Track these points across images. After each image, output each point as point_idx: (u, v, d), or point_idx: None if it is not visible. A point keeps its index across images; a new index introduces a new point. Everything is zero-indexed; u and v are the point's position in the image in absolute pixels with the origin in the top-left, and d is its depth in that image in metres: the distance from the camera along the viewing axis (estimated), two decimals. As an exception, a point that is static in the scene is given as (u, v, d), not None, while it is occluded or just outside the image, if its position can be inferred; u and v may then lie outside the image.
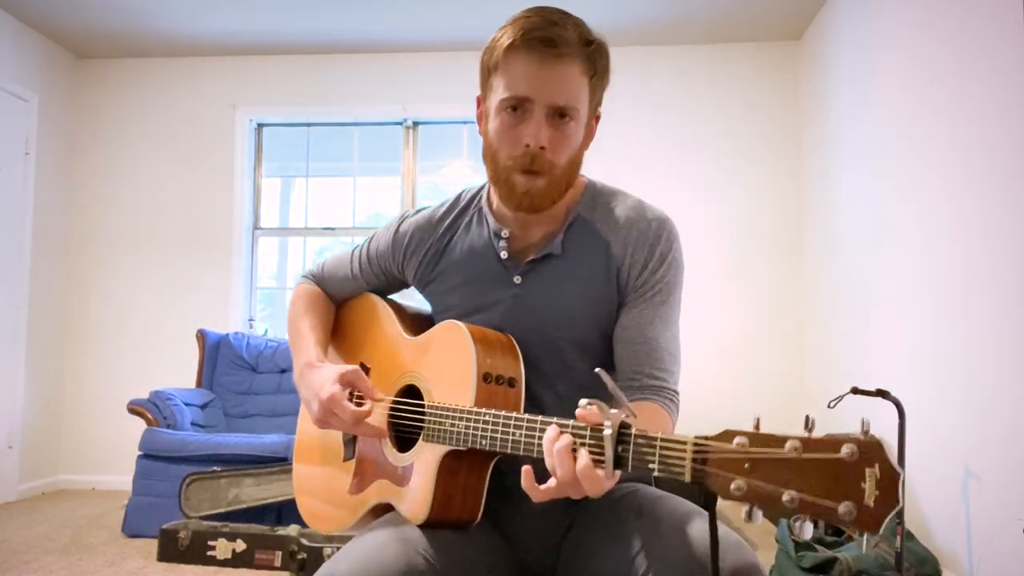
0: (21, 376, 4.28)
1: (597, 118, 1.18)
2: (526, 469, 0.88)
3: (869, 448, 0.66)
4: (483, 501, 1.07)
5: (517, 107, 1.09)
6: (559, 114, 1.09)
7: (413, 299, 1.35)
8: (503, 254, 1.18)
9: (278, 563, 2.83)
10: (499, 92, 1.10)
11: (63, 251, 4.67)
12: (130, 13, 4.21)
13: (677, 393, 1.12)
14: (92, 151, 4.76)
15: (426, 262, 1.25)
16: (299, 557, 2.77)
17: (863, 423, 0.69)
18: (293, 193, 5.23)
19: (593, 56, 1.10)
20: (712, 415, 4.41)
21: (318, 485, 1.30)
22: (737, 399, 4.25)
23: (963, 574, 2.53)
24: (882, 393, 2.23)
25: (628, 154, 4.40)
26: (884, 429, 2.96)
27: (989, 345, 2.41)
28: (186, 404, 3.75)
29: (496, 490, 1.08)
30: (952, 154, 2.65)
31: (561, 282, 1.16)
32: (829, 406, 2.23)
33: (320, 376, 1.17)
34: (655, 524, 0.99)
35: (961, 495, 2.55)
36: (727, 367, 4.31)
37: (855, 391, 2.26)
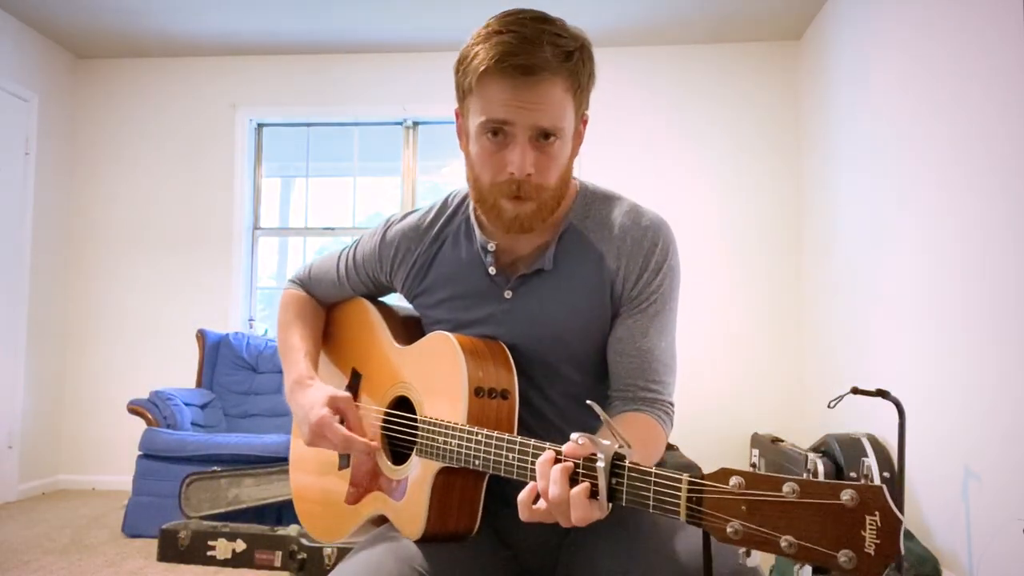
0: (21, 376, 4.27)
1: (585, 122, 1.12)
2: (532, 486, 0.87)
3: (870, 494, 0.64)
4: (479, 513, 1.06)
5: (497, 131, 1.02)
6: (543, 135, 1.02)
7: (405, 301, 1.34)
8: (491, 269, 1.14)
9: (278, 563, 2.83)
10: (477, 116, 1.03)
11: (63, 251, 4.67)
12: (130, 13, 4.21)
13: (672, 405, 1.10)
14: (92, 151, 4.76)
15: (413, 274, 1.21)
16: (299, 557, 2.77)
17: (862, 464, 0.68)
18: (293, 193, 5.23)
19: (576, 69, 1.02)
20: (714, 417, 4.43)
21: (315, 493, 1.29)
22: (737, 399, 4.25)
23: (963, 574, 2.53)
24: (882, 393, 2.23)
25: (628, 154, 4.40)
26: (884, 429, 2.96)
27: (989, 345, 2.41)
28: (186, 404, 3.75)
29: (495, 495, 1.07)
30: (952, 154, 2.65)
31: (553, 297, 1.12)
32: (829, 406, 2.23)
33: (310, 397, 1.15)
34: (653, 526, 0.99)
35: (961, 495, 2.55)
36: (727, 367, 4.31)
37: (855, 391, 2.26)
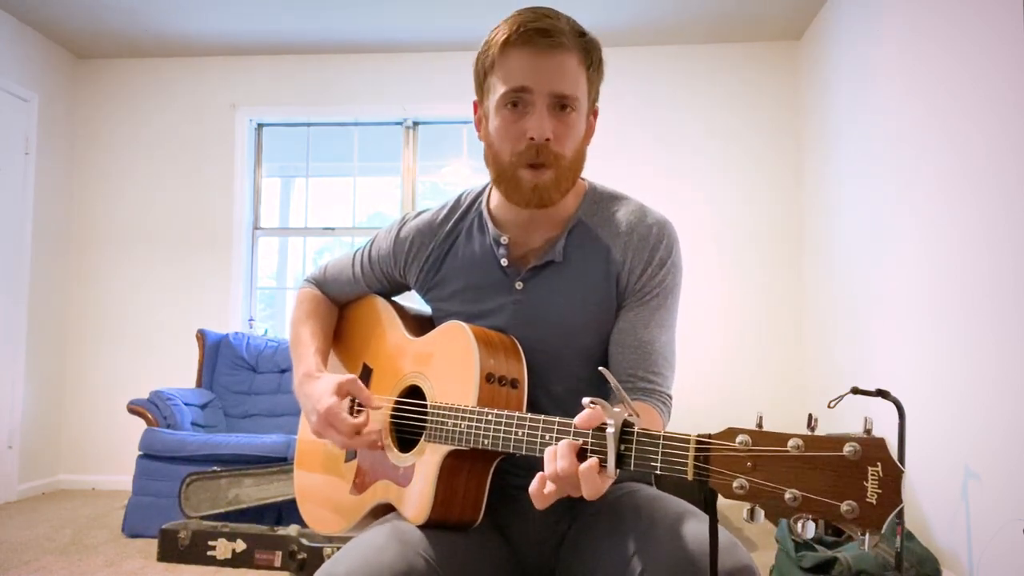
0: (21, 376, 4.28)
1: (595, 114, 1.17)
2: (540, 475, 0.87)
3: (872, 446, 0.66)
4: (484, 502, 1.07)
5: (518, 103, 1.08)
6: (560, 105, 1.08)
7: (415, 301, 1.35)
8: (503, 261, 1.17)
9: (278, 563, 2.83)
10: (498, 89, 1.09)
11: (63, 251, 4.67)
12: (130, 13, 4.21)
13: (670, 397, 1.12)
14: (92, 151, 4.76)
15: (427, 268, 1.24)
16: (299, 557, 2.77)
17: (866, 421, 0.69)
18: (293, 193, 5.24)
19: (588, 47, 1.10)
20: (713, 415, 4.42)
21: (320, 486, 1.30)
22: (738, 399, 4.25)
23: (963, 574, 2.53)
24: (882, 393, 2.23)
25: (628, 154, 4.40)
26: (884, 429, 2.96)
27: (989, 345, 2.41)
28: (186, 404, 3.75)
29: (497, 490, 1.08)
30: (952, 153, 2.65)
31: (562, 289, 1.15)
32: (829, 406, 2.22)
33: (318, 388, 1.16)
34: (651, 525, 0.99)
35: (961, 495, 2.55)
36: (728, 367, 4.31)
37: (855, 391, 2.26)
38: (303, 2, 4.07)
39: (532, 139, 1.07)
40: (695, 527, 0.95)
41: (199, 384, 4.09)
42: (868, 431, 0.68)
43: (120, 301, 4.67)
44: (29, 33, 4.40)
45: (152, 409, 3.61)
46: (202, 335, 4.16)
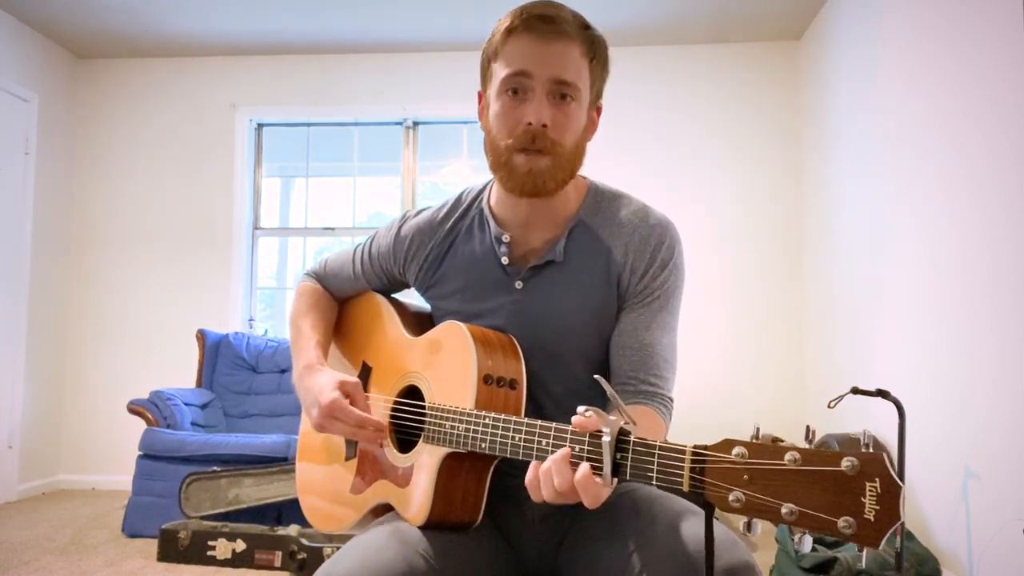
0: (21, 376, 4.28)
1: (599, 110, 1.17)
2: (534, 464, 0.87)
3: (870, 461, 0.65)
4: (483, 503, 1.06)
5: (518, 89, 1.08)
6: (561, 94, 1.07)
7: (415, 298, 1.35)
8: (504, 260, 1.16)
9: (278, 563, 2.83)
10: (499, 75, 1.09)
11: (63, 251, 4.67)
12: (130, 13, 4.21)
13: (671, 400, 1.11)
14: (92, 151, 4.76)
15: (427, 266, 1.24)
16: (299, 557, 2.77)
17: (864, 435, 0.68)
18: (293, 193, 5.23)
19: (592, 40, 1.10)
20: (713, 416, 4.45)
21: (320, 484, 1.30)
22: (738, 399, 4.25)
23: (963, 574, 2.53)
24: (882, 393, 2.22)
25: (627, 155, 4.40)
26: (884, 429, 2.96)
27: (989, 345, 2.41)
28: (186, 404, 3.75)
29: (497, 491, 1.07)
30: (952, 154, 2.65)
31: (562, 289, 1.14)
32: (829, 406, 2.22)
33: (319, 382, 1.16)
34: (650, 524, 0.99)
35: (961, 495, 2.55)
36: (728, 368, 4.31)
37: (855, 391, 2.26)
38: (303, 2, 4.07)
39: (530, 124, 1.06)
40: (694, 525, 0.95)
41: (199, 384, 4.09)
42: (867, 446, 0.68)
43: (120, 301, 4.67)
44: (29, 33, 4.40)
45: (152, 409, 3.61)
46: (202, 335, 4.16)
